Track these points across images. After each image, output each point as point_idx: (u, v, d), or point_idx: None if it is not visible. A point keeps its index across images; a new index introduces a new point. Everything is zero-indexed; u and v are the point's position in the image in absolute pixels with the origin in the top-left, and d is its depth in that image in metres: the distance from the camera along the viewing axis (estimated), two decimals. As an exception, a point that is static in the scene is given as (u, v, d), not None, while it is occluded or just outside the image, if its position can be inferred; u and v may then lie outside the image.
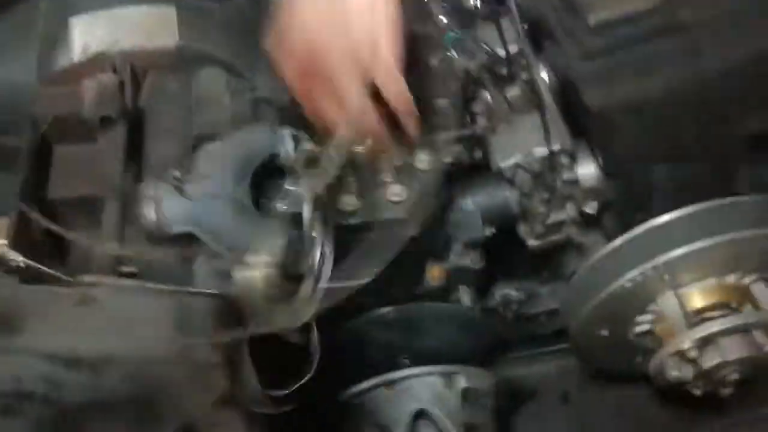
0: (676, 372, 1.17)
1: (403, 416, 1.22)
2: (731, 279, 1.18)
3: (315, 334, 1.12)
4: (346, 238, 1.12)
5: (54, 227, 1.17)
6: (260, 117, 1.32)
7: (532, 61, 1.22)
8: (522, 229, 1.30)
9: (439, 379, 1.22)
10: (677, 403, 1.34)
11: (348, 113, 1.10)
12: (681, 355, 1.16)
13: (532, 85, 1.23)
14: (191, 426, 1.06)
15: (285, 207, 1.15)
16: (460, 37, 1.25)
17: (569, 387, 1.44)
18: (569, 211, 1.27)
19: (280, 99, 1.30)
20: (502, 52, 1.26)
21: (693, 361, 1.16)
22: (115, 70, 1.38)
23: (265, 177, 1.20)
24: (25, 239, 1.17)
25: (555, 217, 1.27)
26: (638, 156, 1.16)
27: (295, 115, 1.24)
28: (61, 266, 1.31)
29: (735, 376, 1.18)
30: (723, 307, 1.17)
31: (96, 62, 1.35)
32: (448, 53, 1.26)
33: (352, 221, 1.15)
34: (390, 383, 1.22)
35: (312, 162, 1.13)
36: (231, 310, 1.18)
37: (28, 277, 1.08)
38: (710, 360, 1.16)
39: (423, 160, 1.19)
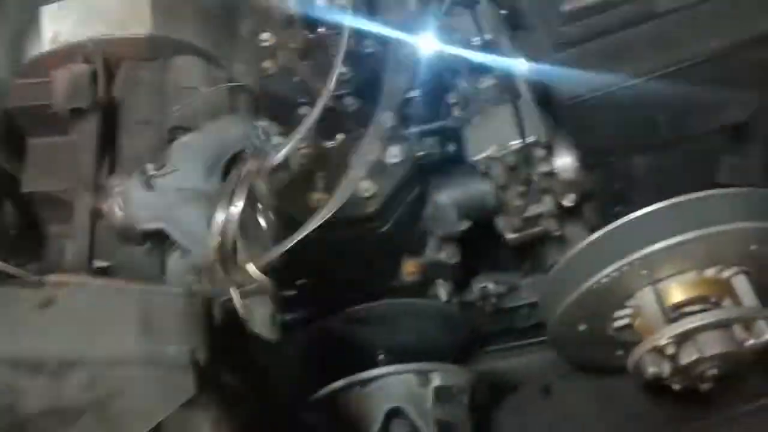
0: (653, 368, 1.15)
1: (377, 415, 1.20)
2: (710, 273, 1.16)
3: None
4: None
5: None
6: (237, 107, 1.30)
7: (507, 49, 1.19)
8: (500, 223, 1.28)
9: (414, 377, 1.21)
10: (660, 394, 1.32)
11: None
12: (659, 350, 1.14)
13: (506, 75, 1.20)
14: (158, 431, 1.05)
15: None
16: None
17: (551, 380, 1.43)
18: (547, 203, 1.24)
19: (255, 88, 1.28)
20: (477, 41, 1.22)
21: (671, 357, 1.14)
22: (87, 60, 1.36)
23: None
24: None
25: (532, 210, 1.25)
26: (615, 147, 1.14)
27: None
28: (36, 261, 1.30)
29: (713, 371, 1.16)
30: (702, 301, 1.15)
31: (67, 52, 1.32)
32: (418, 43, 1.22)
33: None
34: (364, 382, 1.21)
35: None
36: (201, 307, 1.16)
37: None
38: (688, 356, 1.14)
39: (394, 154, 1.16)
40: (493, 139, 1.20)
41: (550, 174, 1.21)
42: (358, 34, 1.20)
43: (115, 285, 1.15)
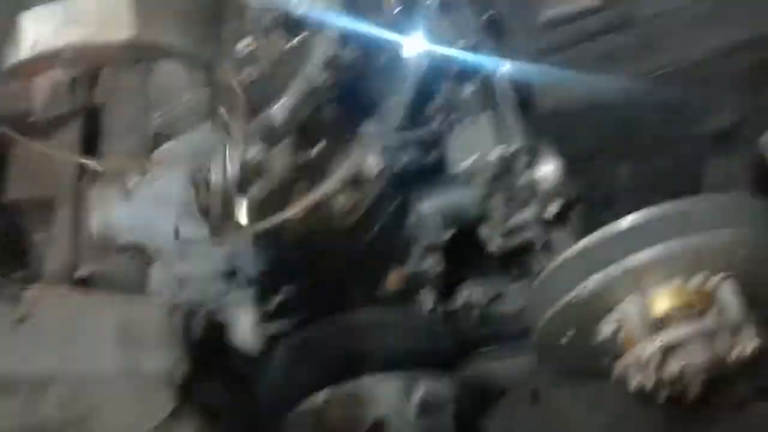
0: (638, 380, 1.14)
1: (361, 425, 1.19)
2: (696, 280, 1.14)
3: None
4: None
5: None
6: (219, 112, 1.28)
7: (489, 55, 1.17)
8: (484, 232, 1.26)
9: (398, 387, 1.20)
10: (649, 399, 1.31)
11: None
12: (643, 362, 1.13)
13: (488, 82, 1.18)
14: (138, 447, 1.05)
15: None
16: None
17: (539, 385, 1.41)
18: (531, 211, 1.22)
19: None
20: (459, 46, 1.20)
21: (655, 369, 1.13)
22: (68, 67, 1.35)
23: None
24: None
25: (516, 219, 1.23)
26: (599, 154, 1.12)
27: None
28: (21, 268, 1.30)
29: (699, 381, 1.15)
30: (687, 311, 1.13)
31: (47, 58, 1.31)
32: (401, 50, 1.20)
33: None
34: (348, 392, 1.20)
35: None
36: (182, 319, 1.16)
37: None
38: (673, 368, 1.12)
39: (374, 164, 1.15)
40: (474, 148, 1.18)
41: (533, 182, 1.19)
42: (340, 39, 1.19)
43: (95, 298, 1.14)
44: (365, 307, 1.24)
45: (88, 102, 1.36)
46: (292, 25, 1.23)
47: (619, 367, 1.16)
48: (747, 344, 1.14)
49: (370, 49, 1.17)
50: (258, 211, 1.15)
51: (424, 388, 1.21)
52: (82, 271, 1.24)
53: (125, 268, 1.23)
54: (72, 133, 1.34)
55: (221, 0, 1.36)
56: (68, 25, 1.30)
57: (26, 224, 1.32)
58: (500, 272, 1.40)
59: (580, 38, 1.07)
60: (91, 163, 1.32)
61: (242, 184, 1.18)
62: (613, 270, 1.11)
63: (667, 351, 1.12)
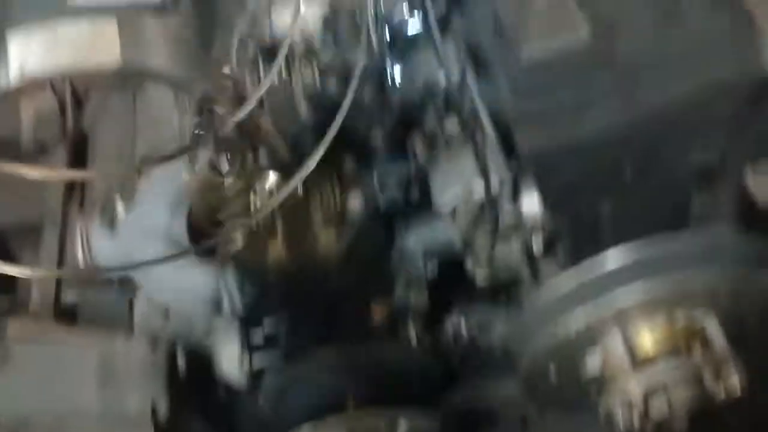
0: (623, 419, 1.13)
1: (345, 460, 1.19)
2: (680, 316, 1.13)
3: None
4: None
5: None
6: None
7: (472, 90, 1.16)
8: (469, 264, 1.26)
9: (381, 423, 1.19)
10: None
11: None
12: (628, 399, 1.12)
13: (470, 116, 1.17)
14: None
15: None
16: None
17: (528, 411, 1.41)
18: (515, 244, 1.22)
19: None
20: (443, 80, 1.20)
21: (641, 406, 1.12)
22: (55, 91, 1.34)
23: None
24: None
25: (500, 251, 1.22)
26: (578, 193, 1.11)
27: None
28: (5, 294, 1.29)
29: (685, 419, 1.14)
30: (671, 347, 1.12)
31: (34, 83, 1.31)
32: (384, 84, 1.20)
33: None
34: (330, 427, 1.19)
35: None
36: (164, 355, 1.16)
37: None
38: (658, 404, 1.11)
39: (355, 201, 1.14)
40: (457, 182, 1.17)
41: (517, 215, 1.18)
42: (321, 73, 1.18)
43: (76, 335, 1.14)
44: (351, 341, 1.23)
45: (76, 127, 1.35)
46: (275, 54, 1.22)
47: (604, 402, 1.15)
48: (731, 380, 1.13)
49: (352, 82, 1.16)
50: (244, 244, 1.15)
51: (406, 421, 1.20)
52: (67, 299, 1.24)
53: (110, 298, 1.23)
54: (59, 159, 1.34)
55: (208, 26, 1.35)
56: (56, 51, 1.30)
57: (12, 249, 1.32)
58: (488, 302, 1.39)
59: (561, 79, 1.06)
60: (79, 174, 1.32)
61: (228, 217, 1.18)
62: (596, 305, 1.10)
63: (652, 389, 1.11)
